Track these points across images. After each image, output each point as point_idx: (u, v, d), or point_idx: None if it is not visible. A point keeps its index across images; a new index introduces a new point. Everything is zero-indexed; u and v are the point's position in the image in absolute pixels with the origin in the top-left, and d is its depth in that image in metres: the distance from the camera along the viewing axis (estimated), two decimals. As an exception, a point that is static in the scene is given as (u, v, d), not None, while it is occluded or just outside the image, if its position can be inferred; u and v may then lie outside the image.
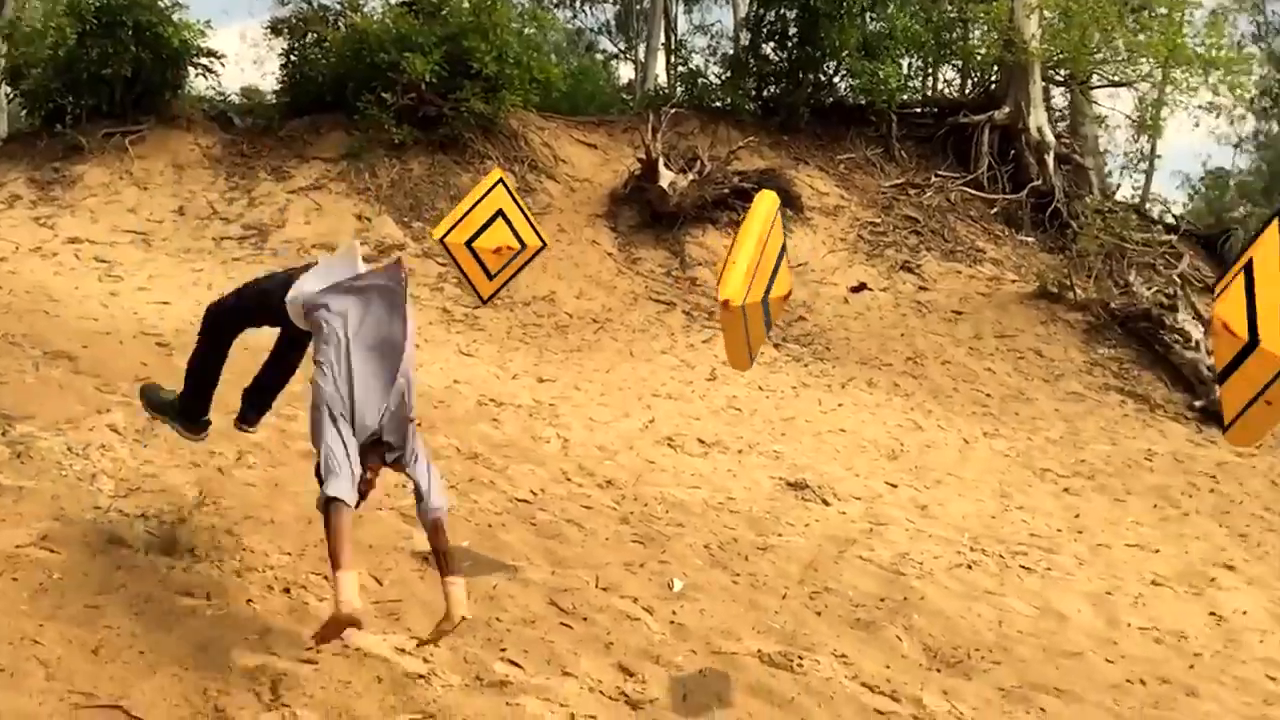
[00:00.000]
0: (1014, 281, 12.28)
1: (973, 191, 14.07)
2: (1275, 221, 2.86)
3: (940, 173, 14.28)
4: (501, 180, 4.38)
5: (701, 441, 7.01)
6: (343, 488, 2.78)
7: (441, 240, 4.22)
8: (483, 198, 4.28)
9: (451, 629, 3.00)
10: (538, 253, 4.42)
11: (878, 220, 13.13)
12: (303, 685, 2.90)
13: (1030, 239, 13.50)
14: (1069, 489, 7.47)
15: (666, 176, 11.92)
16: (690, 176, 12.10)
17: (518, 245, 4.34)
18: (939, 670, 3.98)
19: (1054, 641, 4.54)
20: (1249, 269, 2.82)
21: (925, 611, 4.55)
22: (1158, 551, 6.31)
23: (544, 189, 12.34)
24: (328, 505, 2.76)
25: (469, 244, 4.19)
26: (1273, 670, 4.71)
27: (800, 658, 3.75)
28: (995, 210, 13.82)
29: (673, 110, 13.72)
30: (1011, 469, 7.73)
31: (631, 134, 13.43)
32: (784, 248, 3.74)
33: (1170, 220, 15.53)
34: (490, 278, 4.33)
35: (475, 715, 2.94)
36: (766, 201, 3.65)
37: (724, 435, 7.28)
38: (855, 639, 4.10)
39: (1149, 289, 11.47)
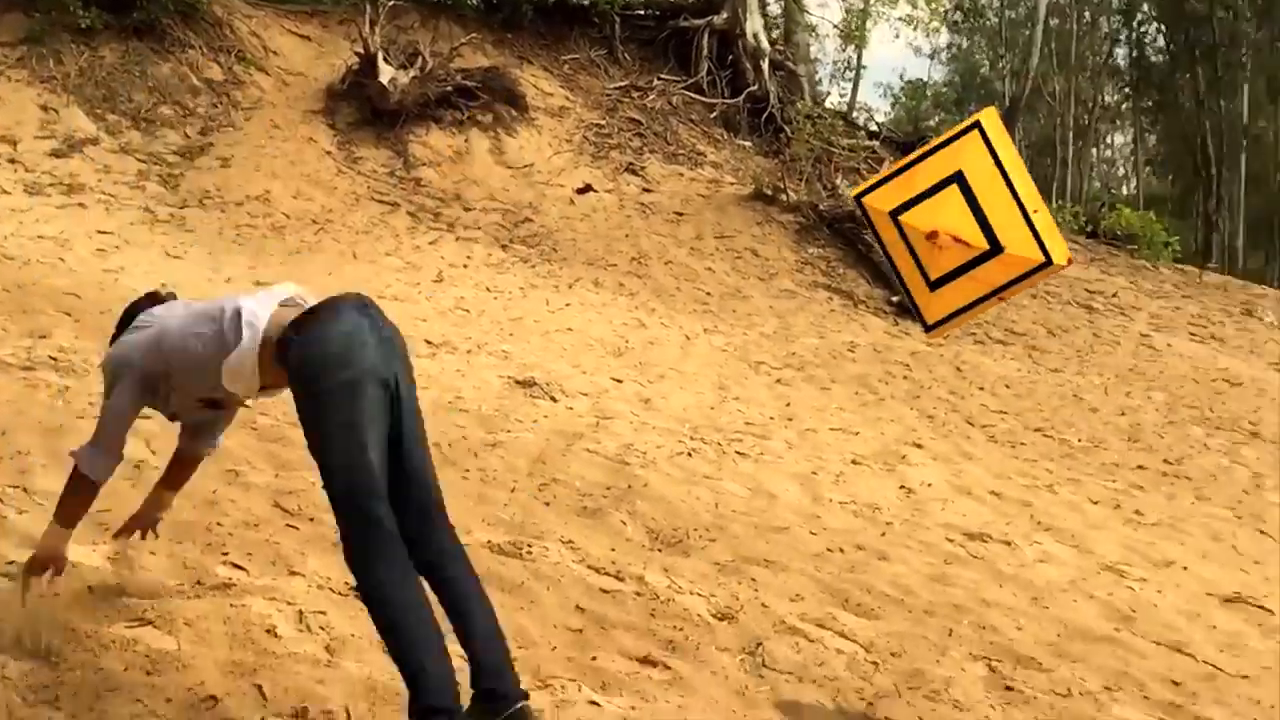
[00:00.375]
0: (732, 184, 12.75)
1: (694, 95, 14.42)
2: (974, 132, 3.00)
3: (663, 76, 14.52)
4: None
5: (429, 342, 6.96)
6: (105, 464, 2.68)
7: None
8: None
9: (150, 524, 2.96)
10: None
11: (603, 122, 13.25)
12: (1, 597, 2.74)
13: (747, 143, 14.02)
14: (781, 380, 7.95)
15: (386, 72, 11.54)
16: (412, 73, 11.77)
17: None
18: (660, 550, 4.19)
19: (764, 518, 4.86)
20: (962, 181, 2.94)
21: (648, 497, 4.76)
22: (857, 434, 6.84)
23: (254, 82, 11.68)
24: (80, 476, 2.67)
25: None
26: (952, 534, 5.24)
27: (529, 546, 3.86)
28: (715, 114, 14.23)
29: (391, 3, 13.24)
30: (729, 363, 8.13)
31: (348, 26, 12.88)
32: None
33: (874, 127, 16.51)
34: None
35: (198, 618, 2.87)
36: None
37: (452, 336, 7.26)
38: (582, 526, 4.25)
39: (853, 191, 12.19)
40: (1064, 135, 39.86)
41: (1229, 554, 6.01)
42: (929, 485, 6.01)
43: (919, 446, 6.87)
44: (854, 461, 6.19)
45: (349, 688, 2.68)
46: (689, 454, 5.64)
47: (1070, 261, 2.88)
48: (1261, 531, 6.62)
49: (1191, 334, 12.96)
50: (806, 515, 5.08)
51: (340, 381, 2.42)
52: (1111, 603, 4.72)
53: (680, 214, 11.68)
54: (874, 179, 3.10)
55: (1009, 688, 3.61)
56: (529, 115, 12.50)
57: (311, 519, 3.77)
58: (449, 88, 11.82)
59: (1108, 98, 43.17)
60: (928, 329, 3.19)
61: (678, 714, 2.92)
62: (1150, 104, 38.55)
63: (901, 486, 5.91)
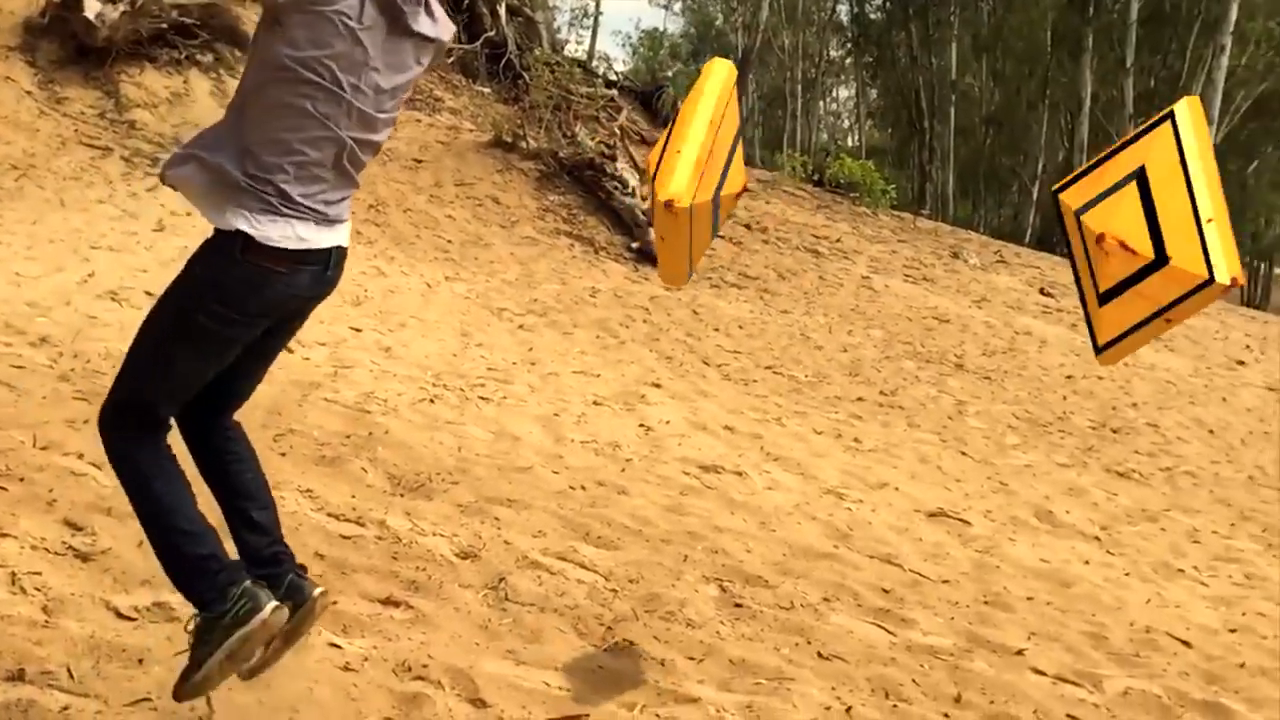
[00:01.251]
0: (471, 131, 12.62)
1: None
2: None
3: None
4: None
5: (149, 294, 6.59)
6: None
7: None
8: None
9: None
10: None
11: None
12: None
13: (486, 89, 13.89)
14: (524, 325, 8.01)
15: (93, 7, 10.69)
16: (121, 8, 10.95)
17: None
18: (402, 495, 4.19)
19: (508, 460, 4.93)
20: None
21: (390, 444, 4.73)
22: (599, 376, 7.01)
23: (-63, 13, 10.60)
24: None
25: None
26: (688, 467, 5.48)
27: (265, 496, 3.77)
28: (452, 60, 14.01)
29: (97, -69, 12.25)
30: (471, 310, 8.11)
31: (48, -45, 11.83)
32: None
33: (612, 76, 16.69)
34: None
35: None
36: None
37: (176, 287, 6.91)
38: (321, 474, 4.19)
39: (593, 139, 12.33)
40: (793, 88, 41.58)
41: (935, 474, 6.56)
42: (667, 423, 6.24)
43: (658, 386, 7.10)
44: (595, 402, 6.34)
45: (70, 647, 2.57)
46: (431, 400, 5.63)
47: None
48: (963, 453, 7.25)
49: (906, 276, 13.90)
50: (549, 455, 5.19)
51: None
52: (832, 523, 5.08)
53: (419, 161, 11.47)
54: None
55: (738, 605, 3.85)
56: (255, 56, 11.93)
57: (22, 479, 3.54)
58: (164, 24, 11.08)
59: (833, 53, 45.29)
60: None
61: (420, 650, 2.96)
62: (870, 59, 40.69)
63: (641, 425, 6.11)
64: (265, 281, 2.22)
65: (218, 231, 2.21)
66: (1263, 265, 43.25)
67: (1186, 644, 4.35)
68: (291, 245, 2.22)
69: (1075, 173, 2.75)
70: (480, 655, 3.05)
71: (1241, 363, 13.32)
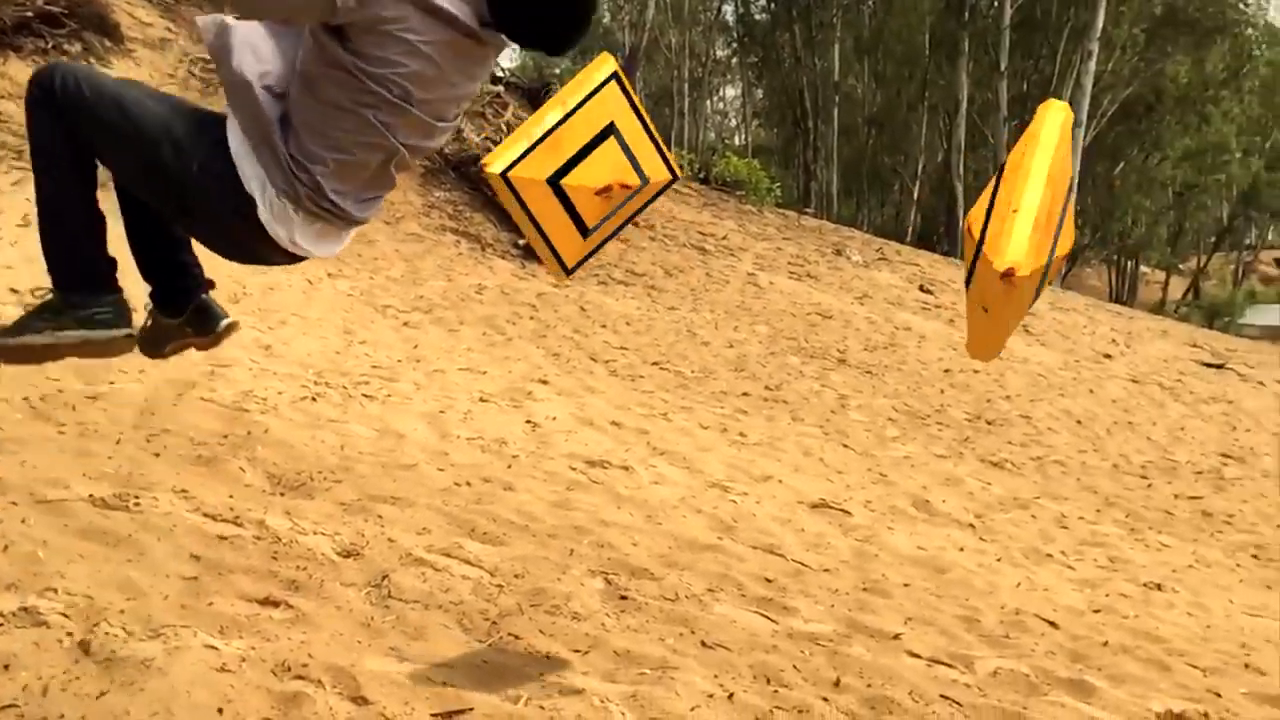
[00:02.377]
0: (354, 126, 12.43)
1: (310, 33, 13.86)
2: (613, 83, 2.83)
3: (276, 11, 13.85)
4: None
5: (14, 291, 6.34)
6: None
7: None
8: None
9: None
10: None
11: (209, 57, 12.47)
12: None
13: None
14: (409, 323, 7.92)
15: (-48, -8, 10.24)
16: (-17, -6, 10.51)
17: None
18: (282, 494, 4.12)
19: (392, 458, 4.88)
20: (616, 132, 2.79)
21: (269, 443, 4.64)
22: (485, 373, 6.98)
23: None
24: None
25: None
26: (575, 462, 5.50)
27: (136, 498, 3.67)
28: (334, 54, 13.77)
29: (-45, -87, 11.72)
30: (355, 307, 8.00)
31: (-99, -63, 11.28)
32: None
33: (499, 74, 16.57)
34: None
35: None
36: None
37: (45, 285, 6.65)
38: (196, 475, 4.09)
39: (479, 135, 12.26)
40: (680, 87, 41.88)
41: (818, 466, 6.70)
42: (554, 419, 6.25)
43: (545, 383, 7.10)
44: (482, 399, 6.31)
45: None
46: (313, 399, 5.53)
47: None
48: (845, 446, 7.42)
49: (791, 273, 14.15)
50: (434, 453, 5.15)
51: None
52: (717, 515, 5.15)
53: (300, 156, 11.28)
54: (506, 153, 2.70)
55: (624, 597, 3.88)
56: (125, 46, 11.51)
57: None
58: (29, 13, 10.65)
59: (719, 52, 45.75)
60: (569, 272, 3.00)
61: (300, 650, 2.91)
62: (756, 60, 41.24)
63: (528, 421, 6.10)
64: (243, 229, 2.19)
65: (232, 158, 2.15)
66: (1130, 263, 45.11)
67: (1053, 625, 4.53)
68: (284, 245, 2.19)
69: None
70: (362, 653, 3.02)
71: (1108, 356, 13.89)
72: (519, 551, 4.10)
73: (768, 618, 3.99)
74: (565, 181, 2.76)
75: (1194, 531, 7.02)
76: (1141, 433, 9.98)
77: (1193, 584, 5.73)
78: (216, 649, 2.79)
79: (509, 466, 5.18)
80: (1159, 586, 5.49)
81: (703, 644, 3.62)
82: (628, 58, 22.04)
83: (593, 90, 2.81)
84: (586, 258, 3.02)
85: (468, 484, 4.76)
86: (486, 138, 12.17)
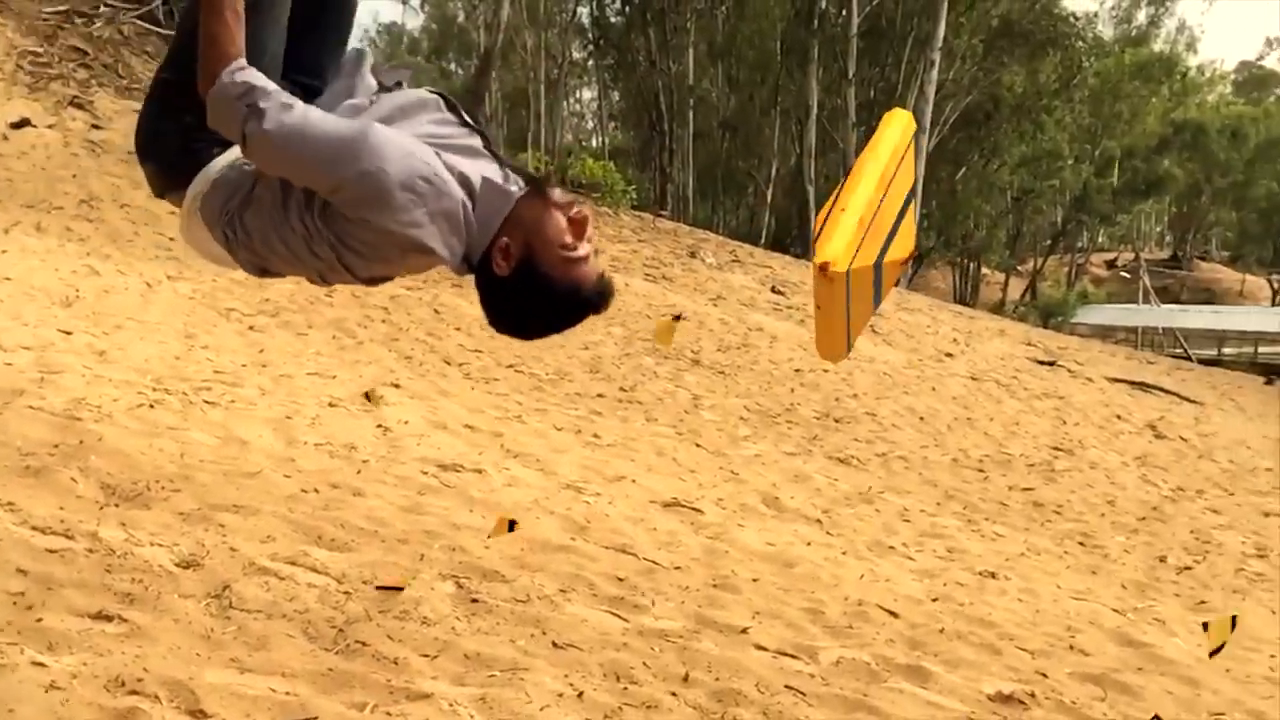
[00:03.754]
0: (197, 123, 12.04)
1: (148, 26, 13.37)
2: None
3: (111, 3, 13.31)
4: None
5: None
6: None
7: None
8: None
9: None
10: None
11: (40, 50, 11.92)
12: None
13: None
14: (254, 326, 7.72)
15: None
16: None
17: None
18: (117, 505, 3.97)
19: (235, 465, 4.75)
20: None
21: (103, 452, 4.46)
22: (334, 377, 6.85)
23: None
24: None
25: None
26: (427, 466, 5.45)
27: (-43, 512, 3.49)
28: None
29: None
30: (197, 310, 7.76)
31: None
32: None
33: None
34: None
35: None
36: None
37: None
38: (24, 486, 3.91)
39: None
40: (536, 89, 41.77)
41: (671, 466, 6.79)
42: (406, 423, 6.18)
43: (397, 386, 7.01)
44: (331, 404, 6.19)
45: None
46: (151, 406, 5.34)
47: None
48: (698, 445, 7.54)
49: (646, 274, 14.29)
50: (280, 459, 5.04)
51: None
52: (570, 516, 5.17)
53: (134, 152, 10.84)
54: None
55: (475, 600, 3.87)
56: (-53, 36, 10.95)
57: None
58: None
59: (575, 54, 45.80)
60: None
61: (135, 664, 2.82)
62: (611, 62, 41.42)
63: (379, 426, 6.02)
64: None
65: None
66: (972, 265, 46.95)
67: (894, 614, 4.70)
68: (180, 202, 2.12)
69: (839, 241, 2.40)
70: (201, 665, 2.94)
71: (950, 355, 14.45)
72: (368, 558, 4.04)
73: (619, 616, 4.03)
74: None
75: (1026, 521, 7.37)
76: (979, 428, 10.42)
77: (1024, 571, 6.01)
78: (45, 666, 2.68)
79: (358, 472, 5.10)
80: (993, 575, 5.75)
81: (554, 644, 3.64)
82: (482, 59, 21.87)
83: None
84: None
85: (315, 490, 4.67)
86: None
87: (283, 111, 1.84)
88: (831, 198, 2.52)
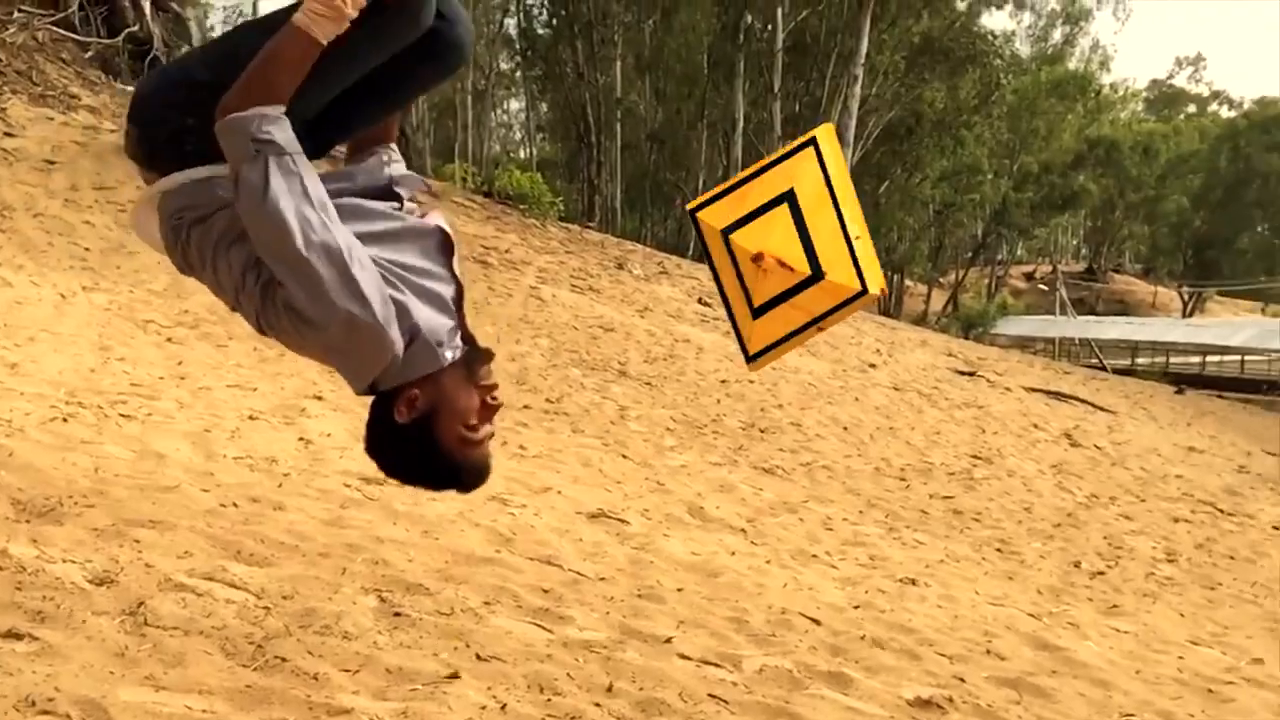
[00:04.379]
0: (113, 131, 11.79)
1: (63, 32, 13.09)
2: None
3: (25, 9, 13.01)
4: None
5: None
6: None
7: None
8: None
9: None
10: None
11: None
12: None
13: (130, 87, 13.03)
14: (172, 339, 7.59)
15: None
16: None
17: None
18: (28, 521, 3.88)
19: (152, 480, 4.67)
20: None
21: (13, 468, 4.36)
22: (256, 390, 6.76)
23: None
24: None
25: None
26: (350, 479, 5.40)
27: None
28: (90, 55, 13.05)
29: None
30: (113, 322, 7.60)
31: None
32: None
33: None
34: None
35: None
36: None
37: None
38: (-71, 504, 3.81)
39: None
40: (463, 99, 41.61)
41: (597, 477, 6.80)
42: (328, 435, 6.11)
43: (319, 399, 6.94)
44: (251, 417, 6.11)
45: None
46: (64, 419, 5.23)
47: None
48: (624, 456, 7.56)
49: (574, 286, 14.30)
50: (199, 473, 4.96)
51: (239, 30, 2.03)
52: (495, 528, 5.16)
53: (51, 162, 10.59)
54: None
55: (397, 614, 3.84)
56: None
57: None
58: None
59: (502, 65, 45.71)
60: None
61: (46, 683, 2.76)
62: (539, 73, 41.43)
63: (301, 438, 5.95)
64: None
65: None
66: (895, 276, 47.71)
67: (817, 622, 4.76)
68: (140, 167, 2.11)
69: (711, 194, 2.78)
70: (115, 684, 2.89)
71: (873, 365, 14.66)
72: (288, 572, 3.99)
73: (543, 628, 4.03)
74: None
75: (946, 529, 7.51)
76: (902, 437, 10.59)
77: (944, 578, 6.12)
78: (-51, 688, 2.62)
79: (279, 485, 5.04)
80: (913, 581, 5.84)
81: (478, 657, 3.63)
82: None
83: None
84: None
85: (234, 505, 4.60)
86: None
87: (289, 178, 1.81)
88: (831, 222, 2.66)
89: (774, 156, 2.78)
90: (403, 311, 1.91)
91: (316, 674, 3.22)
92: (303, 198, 1.82)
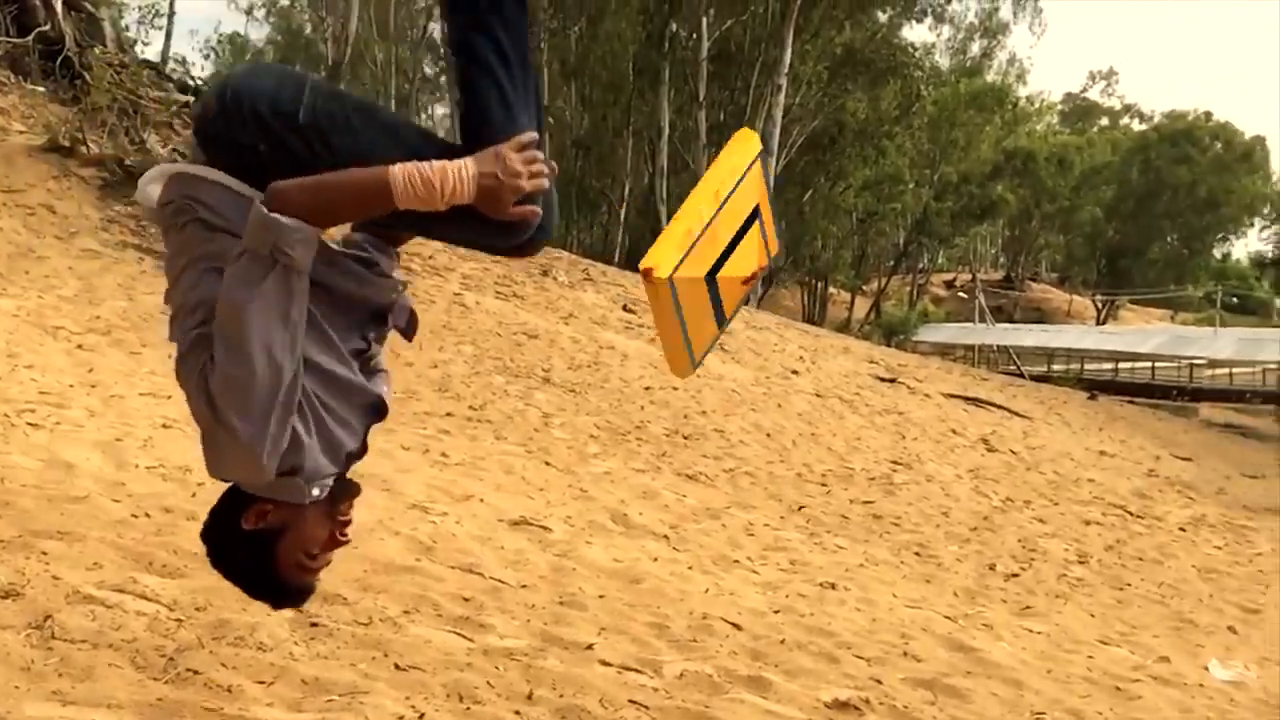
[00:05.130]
0: (22, 133, 11.50)
1: (-24, 31, 12.73)
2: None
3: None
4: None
5: None
6: None
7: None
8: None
9: None
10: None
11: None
12: None
13: (40, 88, 12.70)
14: (83, 345, 7.41)
15: None
16: None
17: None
18: (-74, 534, 3.77)
19: (60, 490, 4.56)
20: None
21: (-87, 479, 4.23)
22: (170, 397, 6.61)
23: None
24: None
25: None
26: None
27: None
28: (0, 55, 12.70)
29: None
30: (21, 329, 7.40)
31: None
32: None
33: (188, 81, 15.80)
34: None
35: None
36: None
37: None
38: None
39: (165, 147, 11.62)
40: (388, 103, 41.26)
41: (520, 484, 6.78)
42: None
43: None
44: (165, 425, 5.99)
45: None
46: (-32, 429, 5.09)
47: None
48: (547, 463, 7.55)
49: (498, 293, 14.22)
50: (109, 483, 4.85)
51: (311, 90, 1.92)
52: (415, 536, 5.12)
53: (-42, 163, 10.31)
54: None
55: (314, 624, 3.79)
56: None
57: None
58: None
59: (427, 69, 45.39)
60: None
61: (-55, 702, 2.69)
62: (464, 79, 41.12)
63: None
64: None
65: None
66: (819, 284, 48.26)
67: (738, 626, 4.80)
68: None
69: (669, 251, 2.43)
70: (21, 699, 2.81)
71: (796, 372, 14.81)
72: (201, 583, 3.91)
73: (463, 636, 4.01)
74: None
75: (866, 533, 7.61)
76: (823, 443, 10.71)
77: (863, 581, 6.21)
78: None
79: (193, 495, 4.94)
80: (833, 585, 5.92)
81: (396, 666, 3.60)
82: (329, 72, 21.47)
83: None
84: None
85: (146, 515, 4.51)
86: (174, 150, 11.56)
87: (280, 293, 1.76)
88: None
89: (721, 188, 2.55)
90: (296, 449, 1.87)
91: (230, 686, 3.17)
92: (282, 314, 1.79)
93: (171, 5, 19.42)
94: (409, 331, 2.12)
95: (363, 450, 2.02)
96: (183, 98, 13.68)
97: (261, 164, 1.88)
